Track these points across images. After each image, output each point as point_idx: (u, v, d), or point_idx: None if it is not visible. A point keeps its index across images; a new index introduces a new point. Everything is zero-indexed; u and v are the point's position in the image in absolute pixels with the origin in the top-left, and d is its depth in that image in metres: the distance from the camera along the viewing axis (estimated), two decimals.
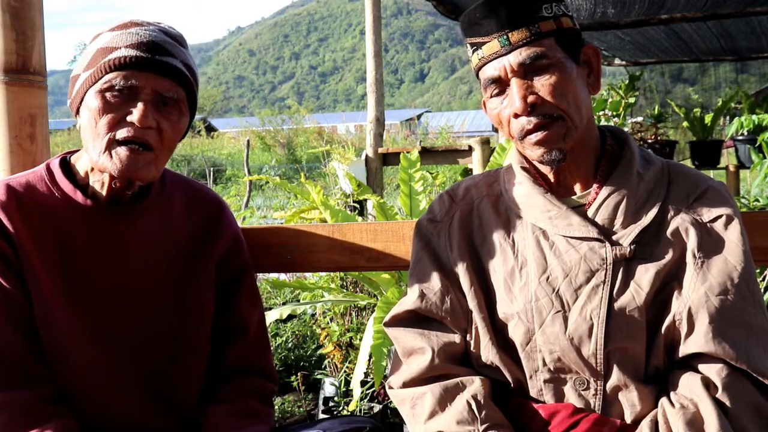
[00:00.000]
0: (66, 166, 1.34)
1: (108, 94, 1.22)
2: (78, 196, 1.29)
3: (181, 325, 1.35)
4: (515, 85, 1.20)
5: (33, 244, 1.24)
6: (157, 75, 1.23)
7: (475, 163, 5.27)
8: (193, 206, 1.43)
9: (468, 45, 1.27)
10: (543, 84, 1.19)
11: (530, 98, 1.19)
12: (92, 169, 1.29)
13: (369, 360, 2.43)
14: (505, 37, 1.20)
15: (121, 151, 1.22)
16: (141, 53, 1.22)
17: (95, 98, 1.22)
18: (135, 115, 1.21)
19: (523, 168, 1.30)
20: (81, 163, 1.32)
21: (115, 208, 1.31)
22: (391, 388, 1.31)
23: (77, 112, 1.28)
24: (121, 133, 1.22)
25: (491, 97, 1.25)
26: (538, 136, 1.20)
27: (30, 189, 1.28)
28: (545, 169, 1.28)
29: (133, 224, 1.33)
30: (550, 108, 1.19)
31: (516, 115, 1.20)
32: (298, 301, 3.51)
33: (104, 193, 1.30)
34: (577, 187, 1.27)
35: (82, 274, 1.27)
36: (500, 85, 1.22)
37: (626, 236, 1.19)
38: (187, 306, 1.36)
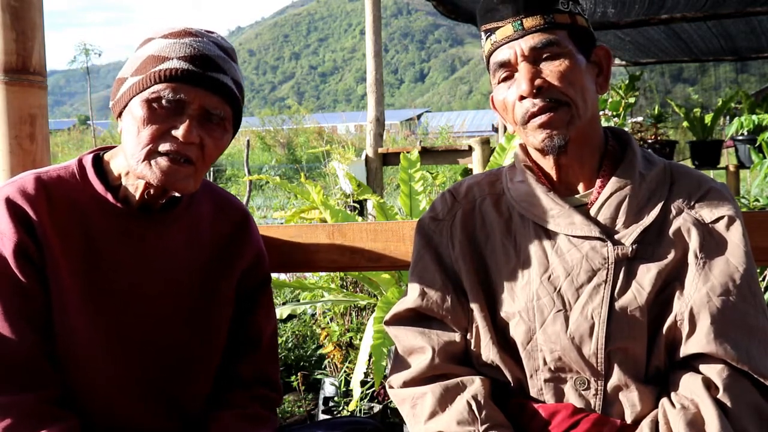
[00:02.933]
0: (98, 164, 1.32)
1: (155, 105, 1.20)
2: (109, 198, 1.28)
3: (197, 333, 1.35)
4: (523, 69, 1.20)
5: (57, 238, 1.23)
6: (207, 91, 1.21)
7: (475, 163, 5.28)
8: (220, 216, 1.42)
9: (482, 33, 1.27)
10: (552, 70, 1.19)
11: (537, 81, 1.19)
12: (127, 173, 1.28)
13: (369, 360, 2.43)
14: (519, 22, 1.20)
15: (162, 162, 1.20)
16: (193, 67, 1.20)
17: (141, 107, 1.20)
18: (180, 130, 1.19)
19: (526, 166, 1.30)
20: (115, 164, 1.31)
21: (144, 214, 1.30)
22: (391, 387, 1.30)
23: (119, 114, 1.26)
24: (164, 147, 1.20)
25: (499, 83, 1.25)
26: (542, 118, 1.20)
27: (60, 184, 1.27)
28: (548, 166, 1.28)
29: (161, 231, 1.32)
30: (557, 93, 1.19)
31: (522, 98, 1.20)
32: (298, 301, 3.51)
33: (137, 197, 1.28)
34: (580, 186, 1.27)
35: (103, 274, 1.27)
36: (509, 69, 1.23)
37: (628, 236, 1.19)
38: (205, 314, 1.36)
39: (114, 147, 1.35)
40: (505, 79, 1.24)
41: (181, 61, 1.20)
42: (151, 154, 1.21)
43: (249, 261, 1.43)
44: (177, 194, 1.31)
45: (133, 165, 1.22)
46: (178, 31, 1.25)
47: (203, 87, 1.21)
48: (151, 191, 1.28)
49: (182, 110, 1.21)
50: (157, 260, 1.31)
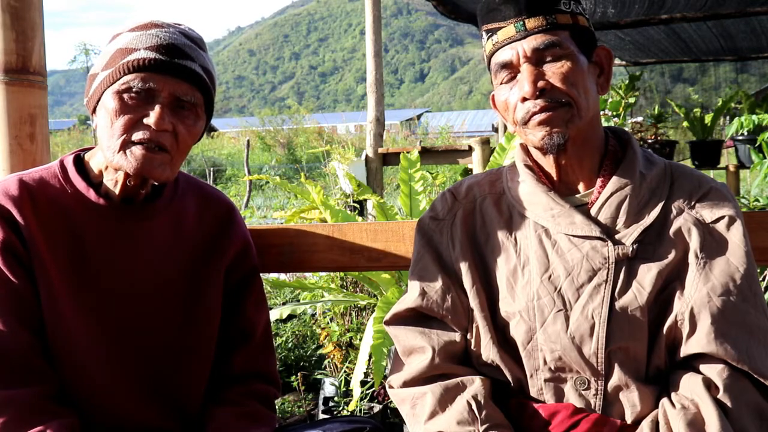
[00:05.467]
0: (80, 163, 1.33)
1: (125, 96, 1.22)
2: (91, 194, 1.29)
3: (188, 327, 1.35)
4: (526, 71, 1.20)
5: (44, 239, 1.24)
6: (175, 78, 1.23)
7: (475, 163, 5.28)
8: (205, 209, 1.43)
9: (483, 32, 1.27)
10: (554, 72, 1.19)
11: (540, 83, 1.19)
12: (106, 168, 1.30)
13: (369, 360, 2.43)
14: (521, 23, 1.20)
15: (137, 150, 1.22)
16: (160, 56, 1.22)
17: (112, 99, 1.22)
18: (151, 117, 1.21)
19: (527, 166, 1.30)
20: (95, 162, 1.32)
21: (127, 208, 1.31)
22: (391, 387, 1.30)
23: (93, 110, 1.28)
24: (137, 135, 1.22)
25: (501, 84, 1.25)
26: (542, 116, 1.20)
27: (43, 185, 1.28)
28: (548, 166, 1.28)
29: (145, 224, 1.33)
30: (559, 94, 1.19)
31: (524, 99, 1.20)
32: (298, 301, 3.51)
33: (117, 191, 1.29)
34: (580, 186, 1.27)
35: (92, 272, 1.27)
36: (511, 70, 1.23)
37: (629, 235, 1.19)
38: (195, 308, 1.36)
39: (93, 148, 1.36)
40: (507, 80, 1.24)
41: (149, 51, 1.22)
42: (125, 144, 1.22)
43: (235, 252, 1.43)
44: (156, 183, 1.32)
45: (110, 157, 1.24)
46: (144, 23, 1.28)
47: (171, 74, 1.23)
48: (131, 182, 1.28)
49: (153, 99, 1.23)
50: (143, 254, 1.32)
